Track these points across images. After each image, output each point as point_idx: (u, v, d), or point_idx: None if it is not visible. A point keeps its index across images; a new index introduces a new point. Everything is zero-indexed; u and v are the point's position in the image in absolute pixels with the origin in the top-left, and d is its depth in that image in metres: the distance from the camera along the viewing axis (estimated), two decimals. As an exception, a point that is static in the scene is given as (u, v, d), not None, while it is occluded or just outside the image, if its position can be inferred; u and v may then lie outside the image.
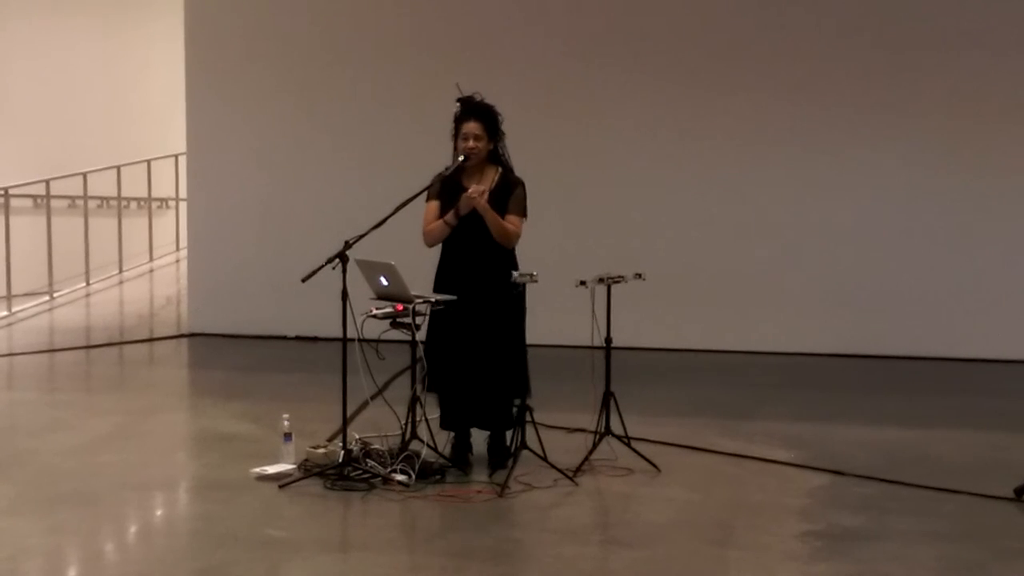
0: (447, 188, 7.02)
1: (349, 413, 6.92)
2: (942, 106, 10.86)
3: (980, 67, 10.81)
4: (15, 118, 15.12)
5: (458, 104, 7.06)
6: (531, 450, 6.84)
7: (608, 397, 7.08)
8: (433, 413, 7.04)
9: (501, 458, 6.98)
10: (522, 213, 7.04)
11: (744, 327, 11.21)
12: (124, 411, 8.71)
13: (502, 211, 6.96)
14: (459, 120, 7.02)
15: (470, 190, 6.87)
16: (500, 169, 7.08)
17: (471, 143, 6.94)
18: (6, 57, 15.16)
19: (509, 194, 7.02)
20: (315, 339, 11.41)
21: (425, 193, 7.08)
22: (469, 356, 6.93)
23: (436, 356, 6.87)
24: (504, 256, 7.00)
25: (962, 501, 6.55)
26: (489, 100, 7.07)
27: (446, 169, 7.03)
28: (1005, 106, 10.82)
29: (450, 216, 6.94)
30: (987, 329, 10.86)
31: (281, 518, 6.19)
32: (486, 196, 6.88)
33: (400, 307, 6.68)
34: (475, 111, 7.00)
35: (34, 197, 14.58)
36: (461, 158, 6.92)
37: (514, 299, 6.92)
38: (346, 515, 6.38)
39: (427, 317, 6.87)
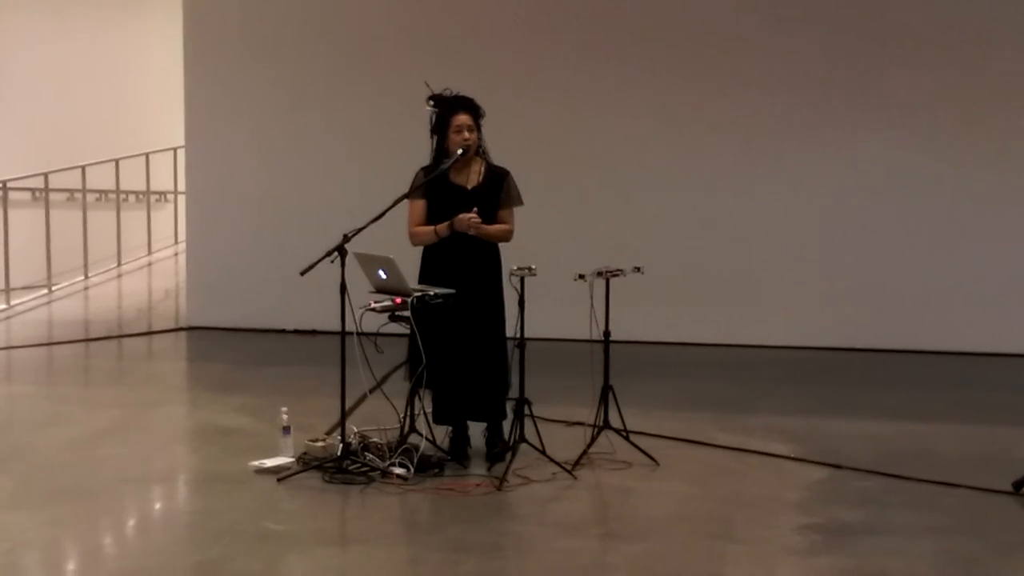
0: (434, 185, 6.98)
1: (348, 406, 6.91)
2: (945, 103, 10.88)
3: (983, 64, 10.83)
4: (14, 111, 15.12)
5: (431, 102, 7.01)
6: (529, 443, 6.84)
7: (607, 391, 7.07)
8: (429, 407, 7.04)
9: (499, 451, 6.97)
10: (517, 203, 7.04)
11: (743, 321, 11.23)
12: (123, 404, 8.72)
13: (494, 204, 6.96)
14: (448, 114, 6.96)
15: (467, 219, 6.82)
16: (484, 161, 7.07)
17: (466, 135, 6.92)
18: (5, 50, 15.15)
19: (499, 187, 7.00)
20: (313, 332, 11.42)
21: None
22: (461, 349, 6.92)
23: (427, 350, 6.82)
24: (489, 248, 7.00)
25: (961, 495, 6.54)
26: (487, 94, 7.07)
27: (441, 163, 6.99)
28: (1008, 102, 10.82)
29: (443, 229, 6.89)
30: (986, 323, 10.88)
31: (280, 511, 6.18)
32: (480, 222, 6.86)
33: (399, 300, 6.68)
34: (464, 104, 6.98)
35: (33, 190, 14.59)
36: (460, 152, 6.90)
37: (500, 291, 6.92)
38: (344, 508, 6.37)
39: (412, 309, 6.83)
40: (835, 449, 7.42)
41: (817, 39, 11.08)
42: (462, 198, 6.91)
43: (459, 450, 7.04)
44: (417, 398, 6.88)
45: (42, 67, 15.53)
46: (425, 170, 7.03)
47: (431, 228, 6.95)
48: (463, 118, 6.92)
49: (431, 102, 7.00)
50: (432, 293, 6.72)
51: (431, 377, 6.88)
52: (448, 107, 6.97)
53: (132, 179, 16.21)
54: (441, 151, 7.00)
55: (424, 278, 6.99)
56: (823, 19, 11.08)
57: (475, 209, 6.84)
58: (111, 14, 16.63)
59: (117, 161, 15.76)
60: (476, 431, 7.16)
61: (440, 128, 7.00)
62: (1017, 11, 10.80)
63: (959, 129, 10.87)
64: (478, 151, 7.05)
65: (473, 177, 7.01)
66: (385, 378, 7.49)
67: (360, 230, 6.70)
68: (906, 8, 10.95)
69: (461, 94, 7.00)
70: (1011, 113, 10.81)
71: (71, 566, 5.63)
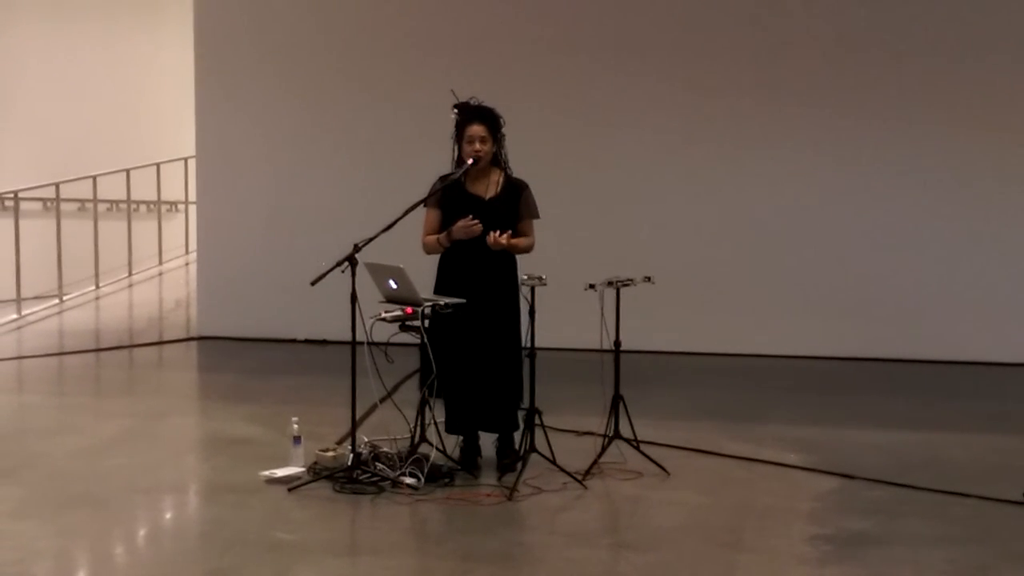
0: (450, 195, 6.99)
1: (358, 416, 6.93)
2: (947, 112, 10.87)
3: (981, 74, 10.84)
4: (25, 121, 15.16)
5: (455, 110, 7.02)
6: (540, 453, 6.84)
7: (617, 400, 7.07)
8: (441, 416, 7.04)
9: (510, 461, 6.97)
10: (535, 216, 7.04)
11: (753, 330, 11.21)
12: (133, 414, 8.73)
13: (513, 215, 6.95)
14: (463, 124, 6.96)
15: (465, 226, 6.84)
16: (503, 172, 7.07)
17: (477, 146, 6.91)
18: (16, 61, 15.20)
19: (517, 198, 7.00)
20: (324, 342, 11.42)
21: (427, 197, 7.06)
22: (475, 359, 6.92)
23: (441, 359, 6.84)
24: (505, 259, 6.99)
25: (972, 505, 6.54)
26: (496, 103, 7.05)
27: (452, 173, 7.00)
28: (1008, 112, 10.82)
29: (443, 238, 6.90)
30: (996, 332, 10.86)
31: (290, 521, 6.19)
32: (507, 236, 6.84)
33: (409, 310, 6.68)
34: (479, 114, 6.96)
35: (44, 200, 14.62)
36: (470, 161, 6.90)
37: (516, 302, 6.93)
38: (355, 518, 6.38)
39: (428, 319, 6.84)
40: (845, 459, 7.41)
41: (823, 50, 11.08)
42: (478, 208, 6.91)
43: (470, 460, 7.04)
44: (428, 408, 6.88)
45: (53, 77, 15.57)
46: (443, 178, 7.04)
47: (434, 238, 6.96)
48: (476, 129, 6.91)
49: (455, 110, 7.00)
50: (443, 303, 6.73)
51: (445, 387, 6.89)
52: (465, 117, 6.97)
53: (143, 189, 16.23)
54: (459, 160, 7.01)
55: (439, 287, 6.99)
56: (830, 30, 11.08)
57: (471, 216, 6.84)
58: (122, 24, 16.66)
59: (128, 171, 15.77)
60: (487, 441, 7.16)
61: (457, 137, 7.01)
62: (1014, 15, 10.80)
63: (966, 136, 10.85)
64: (497, 162, 7.06)
65: (491, 188, 6.99)
66: (396, 388, 7.51)
67: (371, 240, 6.71)
68: (907, 17, 10.93)
69: (483, 104, 7.00)
70: (1013, 120, 10.81)
71: (82, 576, 5.64)
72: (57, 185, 14.32)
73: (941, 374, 10.55)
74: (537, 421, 6.84)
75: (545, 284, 6.72)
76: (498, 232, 6.80)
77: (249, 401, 9.11)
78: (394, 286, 6.72)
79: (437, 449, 6.82)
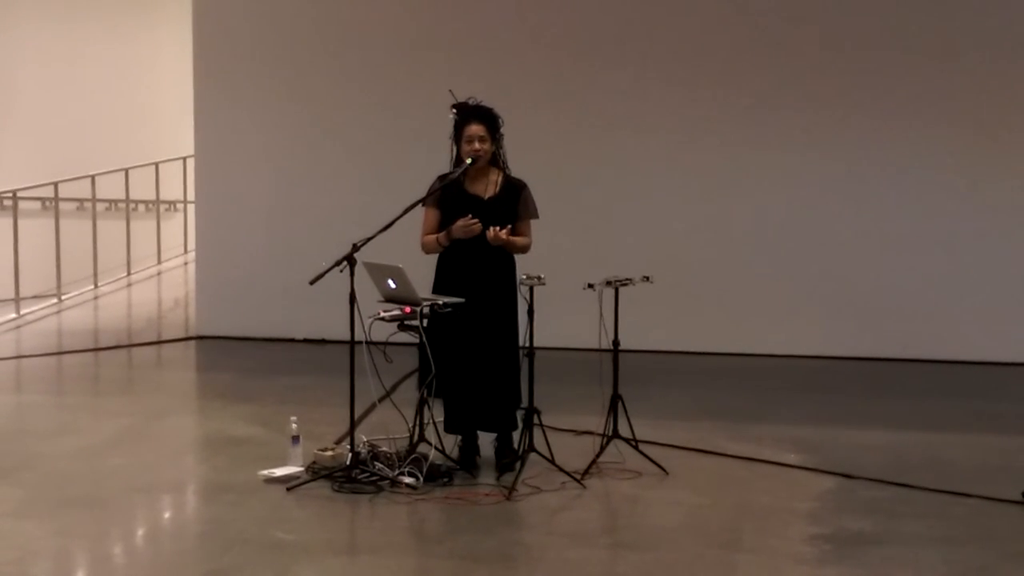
0: (448, 194, 6.98)
1: (357, 416, 6.92)
2: (948, 112, 10.89)
3: (983, 74, 10.86)
4: (24, 121, 15.16)
5: (453, 110, 7.01)
6: (539, 453, 6.84)
7: (616, 400, 7.07)
8: (440, 416, 7.04)
9: (509, 461, 6.97)
10: (534, 216, 7.03)
11: (752, 330, 11.22)
12: (132, 414, 8.72)
13: (511, 216, 6.94)
14: (461, 123, 6.96)
15: (464, 226, 6.84)
16: (502, 172, 7.06)
17: (476, 145, 6.90)
18: (16, 60, 15.20)
19: (516, 198, 7.00)
20: (323, 341, 11.42)
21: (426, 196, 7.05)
22: (474, 359, 6.91)
23: (439, 359, 6.83)
24: (503, 258, 6.99)
25: (971, 505, 6.53)
26: (495, 103, 7.05)
27: (451, 173, 6.99)
28: (1009, 113, 10.82)
29: (443, 237, 6.90)
30: (996, 332, 10.87)
31: (289, 521, 6.19)
32: (507, 231, 6.84)
33: (408, 310, 6.68)
34: (478, 114, 6.96)
35: (42, 199, 14.62)
36: (468, 161, 6.90)
37: (514, 301, 6.92)
38: (354, 517, 6.38)
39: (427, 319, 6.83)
40: (845, 458, 7.41)
41: (820, 53, 11.08)
42: (477, 208, 6.90)
43: (468, 459, 7.03)
44: (426, 407, 6.88)
45: (52, 77, 15.57)
46: (442, 177, 7.03)
47: (433, 237, 6.96)
48: (475, 128, 6.91)
49: (453, 109, 7.00)
50: (441, 302, 6.72)
51: (443, 386, 6.88)
52: (464, 116, 6.96)
53: (142, 188, 16.25)
54: (457, 160, 7.01)
55: (437, 286, 6.98)
56: (826, 30, 11.09)
57: (470, 216, 6.83)
58: (121, 24, 16.67)
59: (127, 171, 15.79)
60: (485, 440, 7.16)
61: (456, 136, 7.00)
62: (1015, 15, 10.81)
63: (967, 136, 10.86)
64: (496, 162, 7.05)
65: (490, 187, 6.99)
66: (394, 387, 7.50)
67: (369, 239, 6.70)
68: (908, 18, 10.94)
69: (482, 104, 6.99)
70: (1014, 120, 10.81)
71: None
72: (56, 184, 14.33)
73: (940, 374, 10.55)
74: (536, 420, 6.84)
75: (544, 284, 6.71)
76: (498, 227, 6.80)
77: (248, 401, 9.11)
78: (393, 286, 6.72)
79: (436, 449, 6.82)
